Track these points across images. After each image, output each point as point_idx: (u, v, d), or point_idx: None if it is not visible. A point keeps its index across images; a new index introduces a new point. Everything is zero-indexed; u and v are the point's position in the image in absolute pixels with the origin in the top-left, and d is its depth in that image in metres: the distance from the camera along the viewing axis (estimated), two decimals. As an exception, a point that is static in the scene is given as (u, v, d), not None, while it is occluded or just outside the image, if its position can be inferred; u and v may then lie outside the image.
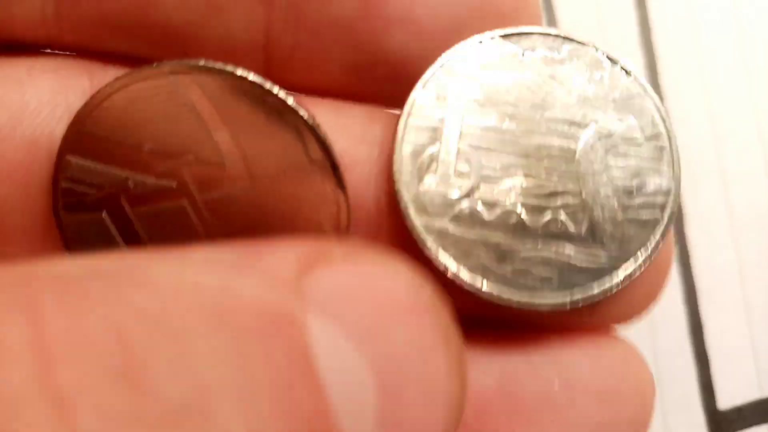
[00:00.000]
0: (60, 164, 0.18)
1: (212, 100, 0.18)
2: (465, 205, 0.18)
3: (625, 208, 0.18)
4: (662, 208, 0.18)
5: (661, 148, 0.18)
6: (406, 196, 0.18)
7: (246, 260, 0.12)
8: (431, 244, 0.18)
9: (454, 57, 0.18)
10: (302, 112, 0.18)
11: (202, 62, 0.18)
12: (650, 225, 0.18)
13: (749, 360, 0.31)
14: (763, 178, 0.32)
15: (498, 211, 0.18)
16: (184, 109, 0.18)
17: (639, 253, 0.18)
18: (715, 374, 0.30)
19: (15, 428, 0.09)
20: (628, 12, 0.32)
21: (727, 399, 0.30)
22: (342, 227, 0.18)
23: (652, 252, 0.18)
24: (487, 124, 0.18)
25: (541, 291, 0.18)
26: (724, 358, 0.31)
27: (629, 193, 0.18)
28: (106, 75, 0.18)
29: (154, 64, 0.18)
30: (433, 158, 0.18)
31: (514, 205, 0.18)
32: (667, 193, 0.18)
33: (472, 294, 0.18)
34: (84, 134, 0.18)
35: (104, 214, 0.18)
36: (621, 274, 0.18)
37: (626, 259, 0.18)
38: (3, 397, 0.09)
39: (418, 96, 0.18)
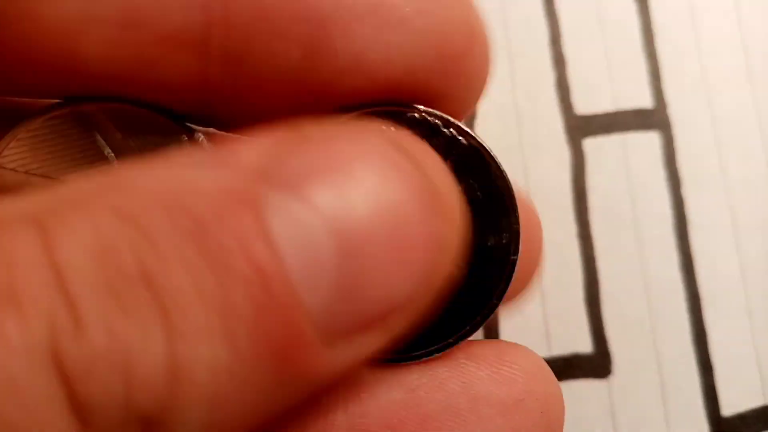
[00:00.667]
0: None
1: (114, 132, 0.18)
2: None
3: (471, 265, 0.18)
4: (503, 261, 0.19)
5: (501, 204, 0.19)
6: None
7: (220, 156, 0.13)
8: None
9: None
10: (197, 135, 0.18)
11: (98, 104, 0.18)
12: (495, 277, 0.19)
13: (753, 367, 0.30)
14: (767, 185, 0.31)
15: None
16: (87, 142, 0.18)
17: (487, 304, 0.19)
18: (719, 381, 0.30)
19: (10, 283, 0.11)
20: (631, 17, 0.32)
21: (730, 406, 0.30)
22: None
23: (499, 301, 0.19)
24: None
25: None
26: (728, 365, 0.30)
27: (475, 250, 0.18)
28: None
29: (55, 103, 0.18)
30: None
31: None
32: (506, 247, 0.19)
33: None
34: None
35: None
36: (474, 324, 0.19)
37: (480, 308, 0.19)
38: (8, 262, 0.11)
39: None
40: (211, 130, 0.18)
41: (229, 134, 0.19)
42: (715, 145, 0.32)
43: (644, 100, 0.32)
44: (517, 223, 0.19)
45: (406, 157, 0.13)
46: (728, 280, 0.31)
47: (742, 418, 0.30)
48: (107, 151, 0.18)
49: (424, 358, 0.19)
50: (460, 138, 0.18)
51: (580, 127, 0.31)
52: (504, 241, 0.19)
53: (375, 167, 0.13)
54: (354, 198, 0.13)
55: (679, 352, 0.30)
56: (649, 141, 0.32)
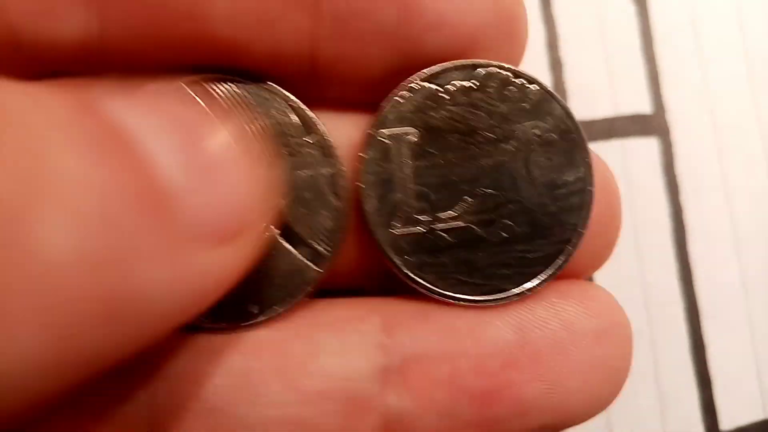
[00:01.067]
0: None
1: (222, 103, 0.20)
2: (432, 237, 0.21)
3: (555, 200, 0.21)
4: (583, 191, 0.21)
5: (573, 140, 0.21)
6: (384, 242, 0.21)
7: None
8: (414, 276, 0.21)
9: (387, 110, 0.21)
10: (297, 104, 0.21)
11: (209, 75, 0.20)
12: (576, 208, 0.21)
13: (752, 380, 0.30)
14: None
15: (459, 233, 0.21)
16: None
17: (573, 234, 0.22)
18: (718, 395, 0.30)
19: None
20: (630, 21, 0.32)
21: (729, 420, 0.30)
22: (341, 195, 0.21)
23: (584, 229, 0.22)
24: (429, 163, 0.21)
25: (507, 287, 0.21)
26: (727, 378, 0.30)
27: (556, 186, 0.21)
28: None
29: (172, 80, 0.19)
30: (395, 205, 0.21)
31: (469, 224, 0.21)
32: (584, 178, 0.21)
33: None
34: None
35: None
36: (564, 255, 0.22)
37: (566, 241, 0.22)
38: None
39: (367, 154, 0.21)
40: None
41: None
42: (715, 151, 0.32)
43: (643, 105, 0.32)
44: (589, 156, 0.21)
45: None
46: (728, 290, 0.31)
47: None
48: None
49: (526, 294, 0.21)
50: (531, 86, 0.21)
51: (579, 131, 0.31)
52: (580, 174, 0.21)
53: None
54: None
55: (677, 364, 0.30)
56: (648, 147, 0.31)
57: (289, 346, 0.21)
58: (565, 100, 0.30)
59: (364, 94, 0.22)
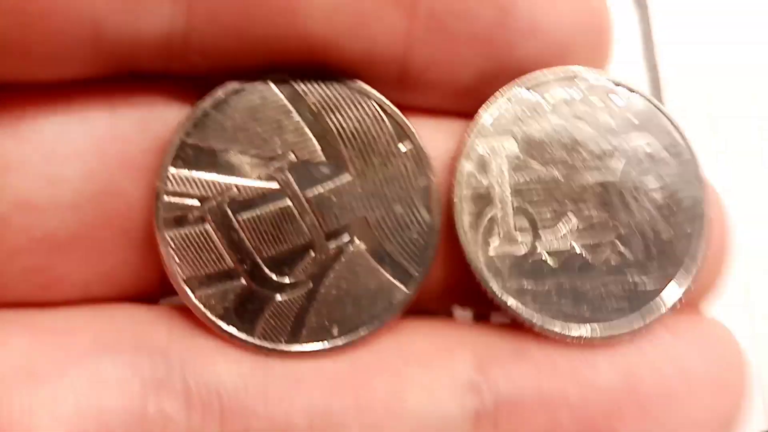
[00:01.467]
0: (162, 177, 0.19)
1: (311, 104, 0.19)
2: (532, 259, 0.19)
3: (670, 225, 0.19)
4: (700, 217, 0.19)
5: (686, 161, 0.20)
6: (478, 262, 0.19)
7: None
8: (512, 303, 0.19)
9: (485, 120, 0.20)
10: (392, 110, 0.19)
11: (299, 70, 0.19)
12: (695, 236, 0.19)
13: (756, 390, 0.28)
14: None
15: (563, 257, 0.19)
16: (282, 114, 0.19)
17: (691, 265, 0.19)
18: None
19: None
20: (631, 22, 0.31)
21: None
22: (434, 210, 0.20)
23: (701, 261, 0.19)
24: (530, 177, 0.19)
25: (618, 322, 0.19)
26: None
27: (670, 209, 0.19)
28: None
29: (257, 74, 0.19)
30: (493, 221, 0.19)
31: (575, 247, 0.19)
32: (700, 201, 0.19)
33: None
34: (186, 145, 0.19)
35: (208, 226, 0.19)
36: (683, 288, 0.19)
37: (684, 273, 0.19)
38: None
39: (463, 166, 0.19)
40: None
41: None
42: (715, 155, 0.30)
43: None
44: (704, 176, 0.20)
45: None
46: (730, 300, 0.28)
47: None
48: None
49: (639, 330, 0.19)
50: (634, 96, 0.20)
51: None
52: (696, 197, 0.20)
53: None
54: None
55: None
56: None
57: (372, 382, 0.19)
58: None
59: (453, 101, 0.20)
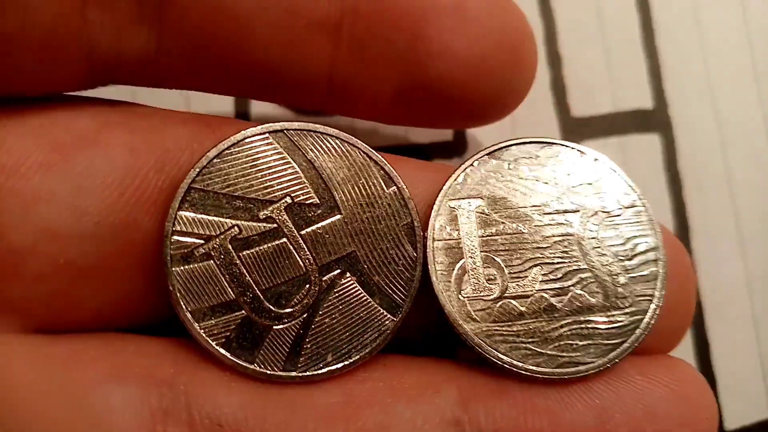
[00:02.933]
0: (171, 219, 0.20)
1: (305, 153, 0.21)
2: (501, 304, 0.21)
3: (627, 270, 0.21)
4: (656, 261, 0.21)
5: (639, 213, 0.22)
6: (451, 308, 0.21)
7: None
8: (483, 346, 0.21)
9: (454, 181, 0.22)
10: (377, 158, 0.21)
11: (295, 124, 0.21)
12: (651, 278, 0.21)
13: (758, 379, 0.29)
14: None
15: (528, 301, 0.21)
16: (280, 162, 0.21)
17: (651, 305, 0.21)
18: (722, 394, 0.28)
19: None
20: (630, 14, 0.31)
21: (734, 419, 0.28)
22: (418, 244, 0.21)
23: (661, 300, 0.21)
24: (497, 230, 0.21)
25: (584, 360, 0.21)
26: (731, 376, 0.29)
27: (626, 256, 0.21)
28: (227, 130, 0.21)
29: (257, 127, 0.21)
30: (464, 270, 0.21)
31: (540, 292, 0.21)
32: (656, 248, 0.22)
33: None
34: (194, 190, 0.21)
35: (212, 263, 0.21)
36: (642, 327, 0.21)
37: (643, 313, 0.21)
38: None
39: (435, 222, 0.21)
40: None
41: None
42: (719, 147, 0.30)
43: (644, 100, 0.31)
44: (658, 228, 0.22)
45: None
46: (732, 288, 0.29)
47: None
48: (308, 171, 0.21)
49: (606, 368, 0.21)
50: (595, 162, 0.22)
51: (577, 130, 0.30)
52: (652, 245, 0.22)
53: None
54: None
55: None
56: (650, 143, 0.30)
57: (362, 416, 0.20)
58: (564, 98, 0.30)
59: (376, 112, 0.23)
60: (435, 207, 0.21)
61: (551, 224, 0.21)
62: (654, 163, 0.30)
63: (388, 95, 0.22)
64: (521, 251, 0.21)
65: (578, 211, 0.22)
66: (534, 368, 0.21)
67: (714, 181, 0.30)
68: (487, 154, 0.22)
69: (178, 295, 0.20)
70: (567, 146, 0.22)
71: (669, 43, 0.31)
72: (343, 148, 0.21)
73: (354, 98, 0.23)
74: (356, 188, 0.21)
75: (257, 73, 0.21)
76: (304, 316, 0.21)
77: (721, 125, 0.30)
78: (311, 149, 0.21)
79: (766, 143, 0.30)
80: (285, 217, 0.21)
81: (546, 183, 0.22)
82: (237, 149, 0.21)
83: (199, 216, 0.21)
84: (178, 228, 0.20)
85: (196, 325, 0.20)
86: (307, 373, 0.21)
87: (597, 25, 0.31)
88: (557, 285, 0.21)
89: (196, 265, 0.20)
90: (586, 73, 0.30)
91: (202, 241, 0.21)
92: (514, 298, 0.21)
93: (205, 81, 0.22)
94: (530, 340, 0.21)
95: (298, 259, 0.21)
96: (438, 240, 0.21)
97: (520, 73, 0.23)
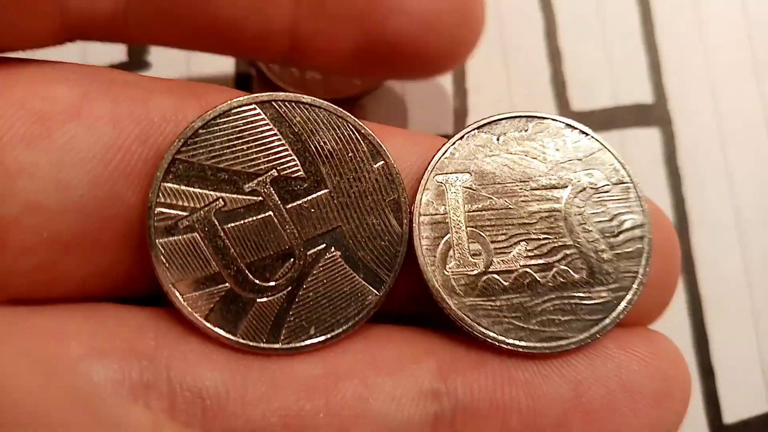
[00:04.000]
0: (155, 190, 0.20)
1: (292, 125, 0.21)
2: (485, 278, 0.21)
3: (612, 247, 0.21)
4: (641, 239, 0.22)
5: (627, 189, 0.22)
6: (435, 282, 0.21)
7: None
8: (466, 320, 0.21)
9: (442, 156, 0.22)
10: (366, 131, 0.21)
11: (282, 94, 0.21)
12: (636, 255, 0.21)
13: (756, 371, 0.29)
14: None
15: (512, 276, 0.21)
16: (266, 134, 0.21)
17: (634, 282, 0.21)
18: (721, 387, 0.29)
19: None
20: (630, 8, 0.32)
21: (732, 412, 0.28)
22: (404, 219, 0.21)
23: (645, 277, 0.21)
24: (483, 205, 0.21)
25: (565, 335, 0.21)
26: (730, 369, 0.29)
27: (612, 233, 0.22)
28: (213, 99, 0.21)
29: (243, 97, 0.21)
30: (449, 245, 0.21)
31: (525, 267, 0.21)
32: (642, 225, 0.22)
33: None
34: (178, 161, 0.20)
35: (197, 235, 0.21)
36: (624, 303, 0.21)
37: (626, 289, 0.21)
38: None
39: (422, 197, 0.21)
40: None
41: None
42: (719, 141, 0.31)
43: (644, 94, 0.31)
44: (645, 204, 0.22)
45: None
46: (731, 281, 0.30)
47: (746, 425, 0.28)
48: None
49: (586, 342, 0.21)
50: (583, 137, 0.22)
51: (577, 125, 0.30)
52: (638, 222, 0.22)
53: None
54: None
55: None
56: (649, 137, 0.30)
57: (342, 387, 0.20)
58: (564, 92, 0.30)
59: (338, 65, 0.23)
60: (422, 182, 0.21)
61: (538, 200, 0.21)
62: (654, 157, 0.30)
63: (348, 50, 0.23)
64: (507, 227, 0.21)
65: (566, 186, 0.22)
66: (516, 342, 0.21)
67: (714, 176, 0.30)
68: (476, 128, 0.22)
69: (162, 267, 0.20)
70: (557, 120, 0.22)
71: (669, 37, 0.31)
72: (331, 120, 0.21)
73: (315, 52, 0.23)
74: (343, 162, 0.21)
75: (222, 29, 0.22)
76: (288, 289, 0.21)
77: (721, 120, 0.31)
78: (298, 121, 0.21)
79: (765, 138, 0.31)
80: (270, 190, 0.21)
81: (534, 158, 0.22)
82: (223, 120, 0.21)
83: (184, 187, 0.20)
84: (162, 199, 0.20)
85: (179, 297, 0.20)
86: (290, 346, 0.21)
87: (597, 20, 0.31)
88: (542, 261, 0.21)
89: (179, 237, 0.20)
90: (585, 67, 0.31)
91: (186, 213, 0.20)
92: (498, 273, 0.21)
93: (173, 37, 0.23)
94: (513, 314, 0.21)
95: (283, 233, 0.21)
96: (424, 215, 0.21)
97: (470, 28, 0.24)
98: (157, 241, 0.20)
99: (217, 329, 0.20)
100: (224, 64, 0.29)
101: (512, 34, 0.31)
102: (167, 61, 0.28)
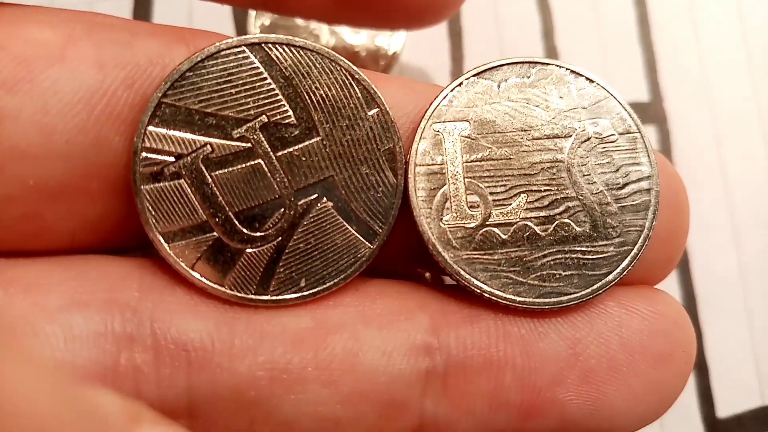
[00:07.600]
0: (141, 135, 0.19)
1: (283, 69, 0.20)
2: (483, 231, 0.20)
3: (617, 199, 0.20)
4: (648, 191, 0.21)
5: (634, 139, 0.21)
6: (431, 235, 0.20)
7: None
8: (462, 273, 0.20)
9: (440, 104, 0.21)
10: (360, 76, 0.20)
11: (273, 36, 0.20)
12: (642, 208, 0.20)
13: (750, 367, 0.29)
14: (767, 181, 0.31)
15: (511, 229, 0.20)
16: (256, 78, 0.20)
17: (638, 237, 0.20)
18: (714, 382, 0.29)
19: None
20: (626, 8, 0.32)
21: (726, 407, 0.29)
22: (399, 170, 0.21)
23: (650, 231, 0.20)
24: (482, 156, 0.21)
25: (566, 290, 0.20)
26: (724, 365, 0.29)
27: (617, 185, 0.21)
28: (201, 42, 0.20)
29: (232, 39, 0.20)
30: (446, 197, 0.20)
31: (524, 220, 0.20)
32: (649, 177, 0.21)
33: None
34: (165, 105, 0.20)
35: (183, 182, 0.20)
36: (628, 258, 0.20)
37: (631, 244, 0.20)
38: None
39: (418, 146, 0.21)
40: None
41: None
42: (714, 140, 0.31)
43: (640, 93, 0.31)
44: (653, 156, 0.21)
45: None
46: (725, 279, 0.30)
47: (739, 420, 0.29)
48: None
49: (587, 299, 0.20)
50: (590, 84, 0.21)
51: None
52: (645, 174, 0.21)
53: None
54: None
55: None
56: None
57: (331, 341, 0.20)
58: None
59: (318, 13, 0.22)
60: (419, 131, 0.21)
61: (540, 150, 0.20)
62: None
63: None
64: (507, 178, 0.20)
65: (570, 136, 0.21)
66: (514, 297, 0.20)
67: (708, 174, 0.31)
68: (475, 75, 0.21)
69: (148, 214, 0.20)
70: (561, 66, 0.21)
71: (665, 37, 0.32)
72: (323, 64, 0.20)
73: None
74: (336, 109, 0.20)
75: None
76: (278, 240, 0.20)
77: (716, 118, 0.31)
78: (290, 65, 0.20)
79: (760, 136, 0.31)
80: (260, 136, 0.20)
81: (537, 106, 0.21)
82: (211, 62, 0.20)
83: (170, 132, 0.20)
84: (148, 144, 0.19)
85: (165, 245, 0.20)
86: (279, 298, 0.20)
87: (594, 20, 0.32)
88: (543, 213, 0.20)
89: (166, 184, 0.20)
90: (582, 66, 0.31)
91: (172, 159, 0.20)
92: (496, 226, 0.20)
93: None
94: (512, 268, 0.20)
95: (273, 181, 0.20)
96: (420, 165, 0.20)
97: None
98: (142, 187, 0.19)
99: (203, 279, 0.20)
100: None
101: (510, 34, 0.31)
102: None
